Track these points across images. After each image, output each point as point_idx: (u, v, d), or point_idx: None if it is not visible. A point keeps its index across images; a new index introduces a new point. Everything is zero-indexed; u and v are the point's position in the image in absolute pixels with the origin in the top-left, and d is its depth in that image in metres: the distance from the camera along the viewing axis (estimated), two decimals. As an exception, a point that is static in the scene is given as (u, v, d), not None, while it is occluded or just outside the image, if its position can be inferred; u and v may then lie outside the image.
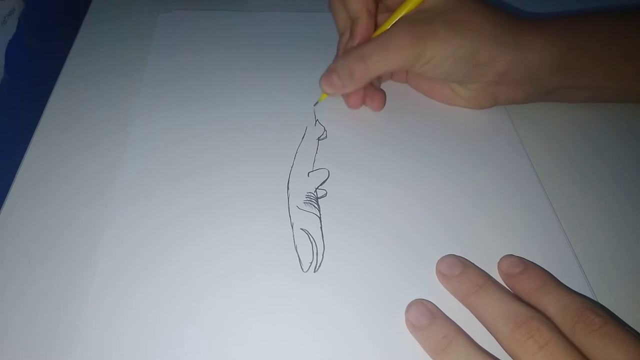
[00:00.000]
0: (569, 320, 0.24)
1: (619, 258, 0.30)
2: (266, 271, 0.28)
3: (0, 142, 0.39)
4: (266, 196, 0.32)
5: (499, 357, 0.24)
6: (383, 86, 0.40)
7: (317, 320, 0.27)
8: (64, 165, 0.33)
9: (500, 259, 0.29)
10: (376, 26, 0.36)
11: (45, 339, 0.26)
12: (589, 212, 0.33)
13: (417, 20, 0.34)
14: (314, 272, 0.29)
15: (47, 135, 0.35)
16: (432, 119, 0.38)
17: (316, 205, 0.32)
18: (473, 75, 0.35)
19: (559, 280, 0.27)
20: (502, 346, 0.25)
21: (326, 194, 0.32)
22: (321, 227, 0.31)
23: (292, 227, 0.31)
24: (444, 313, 0.26)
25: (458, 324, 0.26)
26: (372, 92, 0.37)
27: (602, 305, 0.28)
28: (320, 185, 0.33)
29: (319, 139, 0.36)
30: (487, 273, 0.28)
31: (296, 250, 0.29)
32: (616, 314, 0.27)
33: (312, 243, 0.30)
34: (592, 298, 0.28)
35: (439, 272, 0.28)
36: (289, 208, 0.32)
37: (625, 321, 0.27)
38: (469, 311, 0.27)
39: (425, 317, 0.26)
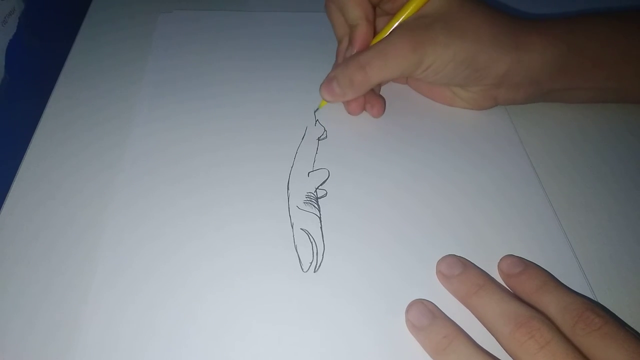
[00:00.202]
0: (569, 320, 0.24)
1: (619, 258, 0.30)
2: (266, 271, 0.28)
3: (0, 142, 0.39)
4: (266, 196, 0.32)
5: (499, 357, 0.24)
6: (383, 85, 0.40)
7: (317, 320, 0.27)
8: (64, 165, 0.33)
9: (501, 259, 0.29)
10: (375, 32, 0.36)
11: (45, 339, 0.26)
12: (589, 212, 0.33)
13: (417, 26, 0.34)
14: (314, 272, 0.29)
15: (47, 135, 0.35)
16: (432, 119, 0.38)
17: (316, 205, 0.32)
18: (473, 79, 0.35)
19: (559, 280, 0.27)
20: (502, 346, 0.25)
21: (326, 194, 0.32)
22: (321, 227, 0.31)
23: (292, 227, 0.31)
24: (444, 313, 0.26)
25: (458, 324, 0.26)
26: (372, 98, 0.37)
27: (602, 305, 0.28)
28: (320, 185, 0.33)
29: (319, 139, 0.36)
30: (487, 273, 0.28)
31: (296, 250, 0.29)
32: (616, 314, 0.27)
33: (312, 243, 0.30)
34: (592, 298, 0.28)
35: (439, 272, 0.28)
36: (289, 208, 0.32)
37: (625, 321, 0.27)
38: (469, 311, 0.27)
39: (425, 317, 0.26)
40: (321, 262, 0.29)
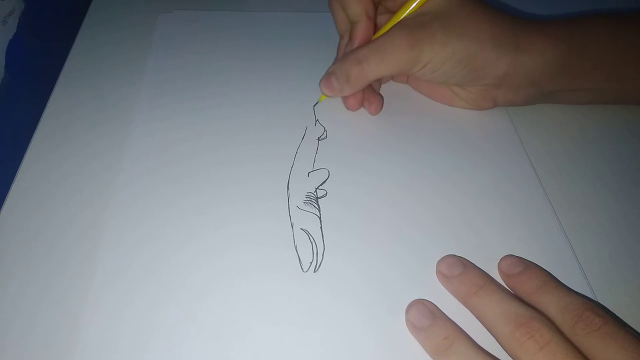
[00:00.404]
0: (569, 320, 0.24)
1: (619, 258, 0.30)
2: (266, 271, 0.28)
3: (0, 142, 0.39)
4: (266, 196, 0.32)
5: (499, 358, 0.24)
6: (384, 85, 0.40)
7: (317, 320, 0.27)
8: (64, 165, 0.33)
9: (501, 259, 0.29)
10: (376, 29, 0.36)
11: (45, 339, 0.26)
12: (589, 212, 0.33)
13: (415, 24, 0.34)
14: (314, 272, 0.29)
15: (47, 135, 0.35)
16: (432, 119, 0.38)
17: (316, 205, 0.32)
18: (472, 78, 0.35)
19: (559, 280, 0.27)
20: (502, 346, 0.25)
21: (326, 194, 0.32)
22: (321, 227, 0.31)
23: (292, 227, 0.31)
24: (444, 313, 0.26)
25: (458, 324, 0.26)
26: (370, 95, 0.37)
27: (602, 305, 0.28)
28: (320, 185, 0.33)
29: (319, 139, 0.36)
30: (487, 273, 0.28)
31: (296, 250, 0.29)
32: (616, 314, 0.27)
33: (312, 243, 0.30)
34: (592, 298, 0.28)
35: (439, 273, 0.28)
36: (289, 208, 0.32)
37: (625, 321, 0.27)
38: (469, 311, 0.27)
39: (426, 317, 0.26)
40: (321, 262, 0.29)
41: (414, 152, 0.35)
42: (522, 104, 0.38)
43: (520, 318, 0.24)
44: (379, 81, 0.39)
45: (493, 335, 0.25)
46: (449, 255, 0.29)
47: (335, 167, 0.34)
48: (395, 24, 0.34)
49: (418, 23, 0.34)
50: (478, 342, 0.25)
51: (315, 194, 0.32)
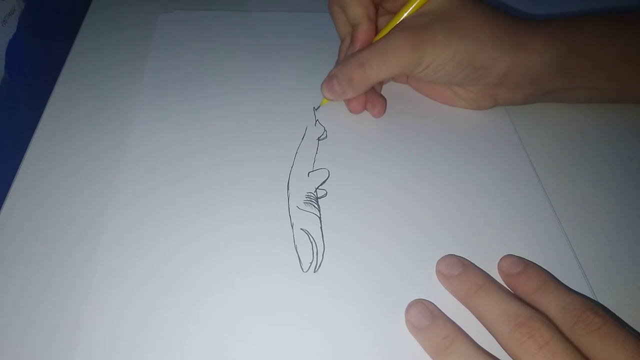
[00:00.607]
0: (569, 320, 0.24)
1: (619, 258, 0.30)
2: (266, 271, 0.28)
3: (0, 142, 0.39)
4: (266, 196, 0.32)
5: (499, 357, 0.24)
6: (384, 86, 0.40)
7: (317, 320, 0.27)
8: (64, 165, 0.33)
9: (500, 259, 0.29)
10: (377, 30, 0.36)
11: (45, 339, 0.26)
12: (589, 212, 0.33)
13: (416, 25, 0.34)
14: (314, 272, 0.29)
15: (47, 135, 0.35)
16: (432, 119, 0.38)
17: (316, 205, 0.32)
18: (473, 78, 0.35)
19: (559, 280, 0.27)
20: (502, 346, 0.25)
21: (326, 194, 0.32)
22: (321, 227, 0.31)
23: (292, 227, 0.31)
24: (444, 313, 0.26)
25: (458, 324, 0.26)
26: (373, 98, 0.37)
27: (602, 305, 0.28)
28: (320, 185, 0.33)
29: (319, 139, 0.36)
30: (487, 273, 0.28)
31: (296, 250, 0.29)
32: (616, 314, 0.27)
33: (312, 243, 0.30)
34: (592, 298, 0.28)
35: (439, 272, 0.28)
36: (289, 208, 0.32)
37: (626, 321, 0.27)
38: (469, 311, 0.27)
39: (425, 317, 0.26)
40: (321, 262, 0.29)
41: (414, 152, 0.35)
42: (521, 103, 0.38)
43: (520, 318, 0.24)
44: (381, 83, 0.39)
45: (493, 335, 0.25)
46: (449, 255, 0.29)
47: (335, 167, 0.34)
48: (396, 26, 0.34)
49: (419, 24, 0.34)
50: (478, 342, 0.25)
51: (315, 194, 0.32)
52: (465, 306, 0.27)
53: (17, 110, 0.40)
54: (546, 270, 0.28)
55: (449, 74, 0.34)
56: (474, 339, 0.25)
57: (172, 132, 0.36)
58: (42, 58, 0.45)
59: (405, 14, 0.34)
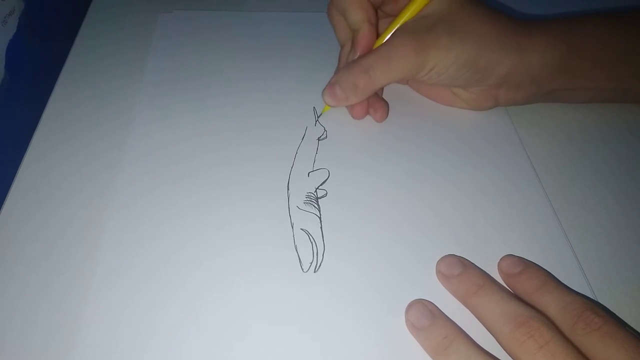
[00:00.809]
0: (569, 320, 0.24)
1: (619, 258, 0.30)
2: (266, 271, 0.28)
3: (0, 142, 0.39)
4: (266, 196, 0.32)
5: (499, 357, 0.24)
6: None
7: (317, 320, 0.27)
8: (64, 165, 0.33)
9: (500, 259, 0.29)
10: (377, 34, 0.36)
11: (45, 339, 0.26)
12: (589, 212, 0.33)
13: (419, 28, 0.34)
14: (314, 272, 0.29)
15: (47, 135, 0.35)
16: (433, 119, 0.38)
17: (316, 205, 0.32)
18: (475, 80, 0.35)
19: (559, 280, 0.27)
20: (502, 346, 0.25)
21: (326, 194, 0.32)
22: (321, 227, 0.31)
23: (292, 227, 0.31)
24: (444, 313, 0.26)
25: (458, 324, 0.26)
26: (376, 102, 0.37)
27: (602, 305, 0.28)
28: (320, 185, 0.33)
29: (319, 139, 0.36)
30: (487, 273, 0.28)
31: (296, 250, 0.29)
32: (616, 314, 0.27)
33: (312, 243, 0.30)
34: (592, 298, 0.28)
35: (439, 272, 0.28)
36: (289, 208, 0.32)
37: (626, 321, 0.27)
38: (469, 311, 0.27)
39: (425, 317, 0.26)
40: (321, 262, 0.29)
41: (414, 152, 0.35)
42: (522, 103, 0.38)
43: (519, 318, 0.24)
44: (382, 87, 0.39)
45: (493, 335, 0.25)
46: (449, 255, 0.29)
47: (335, 167, 0.34)
48: (398, 29, 0.34)
49: (421, 27, 0.33)
50: (478, 342, 0.25)
51: (315, 194, 0.32)
52: (465, 306, 0.27)
53: (17, 110, 0.40)
54: (546, 270, 0.28)
55: (452, 77, 0.34)
56: (474, 339, 0.25)
57: (172, 132, 0.36)
58: (42, 58, 0.45)
59: (406, 17, 0.34)
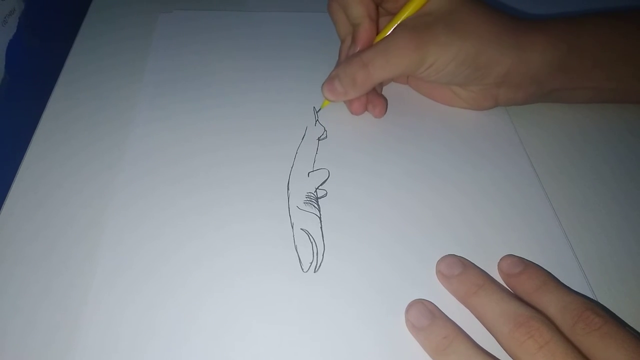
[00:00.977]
0: (569, 320, 0.24)
1: (619, 258, 0.30)
2: (266, 271, 0.28)
3: (0, 142, 0.39)
4: (266, 196, 0.32)
5: (499, 357, 0.24)
6: (385, 86, 0.40)
7: (317, 320, 0.27)
8: (64, 165, 0.33)
9: (500, 259, 0.29)
10: (377, 31, 0.36)
11: (45, 339, 0.26)
12: (589, 212, 0.33)
13: (418, 25, 0.34)
14: (314, 272, 0.29)
15: (47, 135, 0.35)
16: (433, 119, 0.38)
17: (316, 205, 0.32)
18: (474, 78, 0.35)
19: (559, 280, 0.27)
20: (502, 346, 0.25)
21: (326, 194, 0.32)
22: (321, 227, 0.31)
23: (292, 227, 0.31)
24: (444, 313, 0.26)
25: (458, 324, 0.26)
26: (374, 98, 0.37)
27: (602, 305, 0.28)
28: (321, 185, 0.33)
29: (319, 139, 0.36)
30: (487, 273, 0.28)
31: (296, 250, 0.29)
32: (616, 314, 0.27)
33: (312, 243, 0.30)
34: (592, 298, 0.28)
35: (439, 272, 0.28)
36: (289, 208, 0.32)
37: (626, 321, 0.27)
38: (469, 311, 0.27)
39: (425, 317, 0.26)
40: (321, 262, 0.29)
41: (414, 152, 0.35)
42: (522, 103, 0.38)
43: (519, 318, 0.24)
44: (381, 84, 0.39)
45: (493, 335, 0.25)
46: (449, 255, 0.29)
47: (335, 167, 0.34)
48: (398, 25, 0.34)
49: (421, 24, 0.34)
50: (478, 342, 0.25)
51: (315, 194, 0.32)
52: (465, 306, 0.27)
53: (17, 110, 0.40)
54: (546, 270, 0.28)
55: (451, 74, 0.34)
56: (474, 339, 0.25)
57: (172, 132, 0.36)
58: (42, 58, 0.45)
59: (406, 14, 0.34)
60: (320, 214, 0.31)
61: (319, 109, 0.37)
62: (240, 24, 0.45)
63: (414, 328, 0.26)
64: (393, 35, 0.34)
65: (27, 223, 0.30)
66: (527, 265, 0.28)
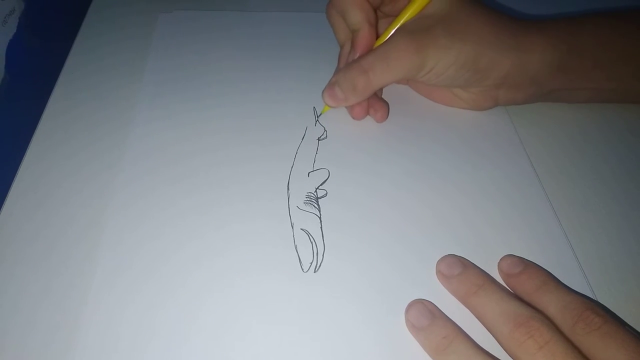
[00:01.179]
0: (569, 319, 0.24)
1: (619, 258, 0.30)
2: (266, 271, 0.28)
3: (0, 142, 0.39)
4: (266, 196, 0.32)
5: (499, 357, 0.24)
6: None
7: (317, 320, 0.27)
8: (64, 165, 0.33)
9: (501, 259, 0.29)
10: (377, 35, 0.36)
11: (45, 339, 0.26)
12: (589, 212, 0.33)
13: (418, 29, 0.33)
14: (314, 272, 0.29)
15: (47, 135, 0.35)
16: (433, 119, 0.38)
17: (316, 205, 0.32)
18: (475, 80, 0.35)
19: (559, 280, 0.27)
20: (502, 346, 0.25)
21: (326, 194, 0.32)
22: (321, 227, 0.31)
23: (292, 227, 0.31)
24: (444, 313, 0.26)
25: (458, 324, 0.26)
26: (376, 103, 0.37)
27: (602, 304, 0.28)
28: (321, 185, 0.33)
29: (319, 139, 0.36)
30: (487, 273, 0.28)
31: (296, 250, 0.29)
32: (616, 313, 0.27)
33: (312, 243, 0.30)
34: (592, 298, 0.28)
35: (439, 272, 0.28)
36: (289, 208, 0.32)
37: (626, 321, 0.27)
38: (469, 311, 0.27)
39: (425, 317, 0.26)
40: (321, 262, 0.29)
41: (414, 152, 0.35)
42: (522, 103, 0.38)
43: (519, 317, 0.24)
44: (381, 87, 0.39)
45: (493, 335, 0.25)
46: (449, 255, 0.29)
47: (335, 167, 0.34)
48: (397, 30, 0.34)
49: (421, 28, 0.33)
50: (478, 342, 0.25)
51: (315, 194, 0.32)
52: (465, 306, 0.27)
53: (17, 110, 0.40)
54: (546, 270, 0.28)
55: (451, 77, 0.34)
56: (474, 339, 0.25)
57: (172, 132, 0.36)
58: (42, 58, 0.45)
59: (405, 18, 0.34)
60: (320, 214, 0.31)
61: (320, 114, 0.37)
62: (240, 24, 0.45)
63: (414, 328, 0.26)
64: (393, 39, 0.34)
65: (27, 223, 0.30)
66: (527, 265, 0.28)
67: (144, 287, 0.27)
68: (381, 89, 0.39)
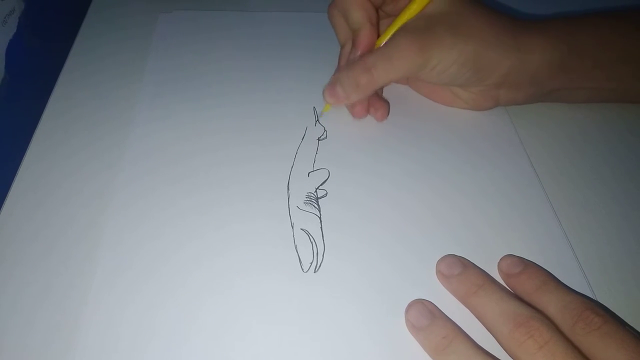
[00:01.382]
0: (569, 319, 0.24)
1: (619, 258, 0.30)
2: (266, 271, 0.28)
3: (0, 142, 0.39)
4: (266, 196, 0.32)
5: (499, 357, 0.24)
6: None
7: (317, 320, 0.27)
8: (64, 165, 0.33)
9: (500, 259, 0.29)
10: (378, 34, 0.36)
11: (45, 339, 0.26)
12: (589, 212, 0.33)
13: (420, 27, 0.33)
14: (314, 272, 0.29)
15: (47, 135, 0.35)
16: (433, 119, 0.38)
17: (316, 206, 0.32)
18: (475, 79, 0.35)
19: (559, 280, 0.27)
20: (502, 346, 0.25)
21: (326, 194, 0.32)
22: (321, 227, 0.31)
23: (292, 227, 0.31)
24: (444, 313, 0.26)
25: (458, 324, 0.26)
26: (376, 102, 0.37)
27: (602, 304, 0.28)
28: (321, 185, 0.33)
29: (319, 139, 0.36)
30: (487, 273, 0.28)
31: (296, 251, 0.29)
32: (616, 313, 0.27)
33: (312, 243, 0.30)
34: (592, 298, 0.28)
35: (439, 272, 0.28)
36: (289, 208, 0.32)
37: (626, 321, 0.27)
38: (469, 311, 0.27)
39: (425, 317, 0.26)
40: (321, 262, 0.29)
41: (414, 152, 0.35)
42: (522, 103, 0.38)
43: (519, 317, 0.24)
44: (383, 86, 0.39)
45: (493, 335, 0.25)
46: (449, 255, 0.29)
47: (335, 167, 0.34)
48: (400, 29, 0.34)
49: (422, 26, 0.33)
50: (478, 342, 0.25)
51: (315, 194, 0.32)
52: (465, 306, 0.27)
53: (17, 110, 0.40)
54: (546, 270, 0.28)
55: (452, 76, 0.34)
56: (474, 339, 0.25)
57: (172, 132, 0.36)
58: (42, 58, 0.45)
59: (407, 17, 0.34)
60: (320, 214, 0.31)
61: (320, 114, 0.37)
62: (240, 24, 0.45)
63: (414, 328, 0.26)
64: (395, 38, 0.34)
65: (27, 223, 0.30)
66: (527, 265, 0.28)
67: (144, 287, 0.27)
68: (382, 88, 0.39)
